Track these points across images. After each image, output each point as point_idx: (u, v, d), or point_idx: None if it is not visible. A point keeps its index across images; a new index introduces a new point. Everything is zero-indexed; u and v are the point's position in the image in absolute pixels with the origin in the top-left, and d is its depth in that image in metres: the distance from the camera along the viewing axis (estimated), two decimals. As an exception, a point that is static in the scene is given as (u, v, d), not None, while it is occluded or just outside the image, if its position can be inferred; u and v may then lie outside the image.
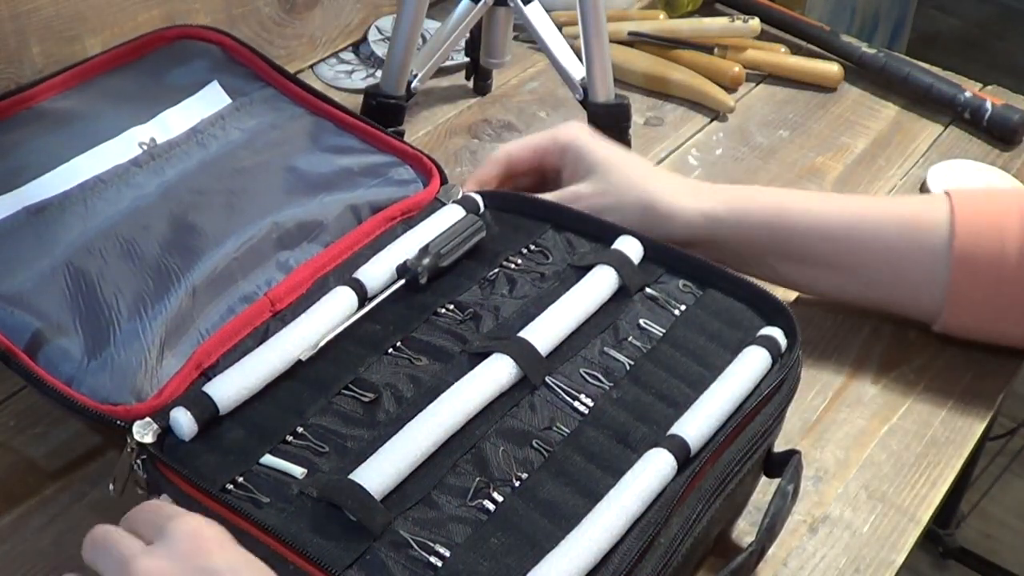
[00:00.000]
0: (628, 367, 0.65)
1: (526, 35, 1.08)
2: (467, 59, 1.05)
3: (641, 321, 0.68)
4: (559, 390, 0.63)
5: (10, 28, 0.82)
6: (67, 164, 0.74)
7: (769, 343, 0.66)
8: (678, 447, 0.59)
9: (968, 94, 1.04)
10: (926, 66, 1.09)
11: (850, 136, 1.04)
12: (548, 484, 0.58)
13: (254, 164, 0.77)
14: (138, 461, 0.59)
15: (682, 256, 0.72)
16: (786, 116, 1.06)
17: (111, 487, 0.60)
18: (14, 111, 0.77)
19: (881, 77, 1.09)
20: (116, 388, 0.63)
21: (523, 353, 0.64)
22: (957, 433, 0.75)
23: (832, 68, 1.09)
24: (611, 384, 0.64)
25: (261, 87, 0.84)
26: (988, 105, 1.03)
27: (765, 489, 0.67)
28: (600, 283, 0.69)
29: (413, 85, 0.90)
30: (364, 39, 1.11)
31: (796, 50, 1.13)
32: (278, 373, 0.63)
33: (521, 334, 0.65)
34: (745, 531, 0.68)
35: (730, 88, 1.07)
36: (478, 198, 0.76)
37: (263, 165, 0.77)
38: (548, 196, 0.79)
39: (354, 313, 0.67)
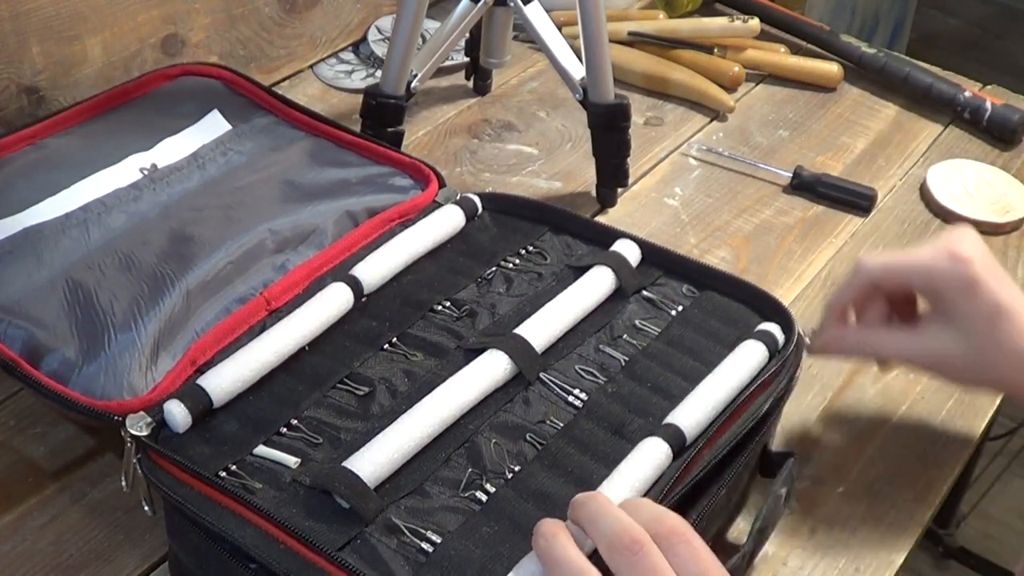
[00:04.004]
0: (623, 363, 0.66)
1: (526, 35, 1.08)
2: (467, 59, 1.05)
3: (637, 321, 0.68)
4: (553, 385, 0.63)
5: (10, 28, 0.82)
6: (68, 189, 0.75)
7: (766, 338, 0.66)
8: (672, 435, 0.60)
9: (968, 94, 1.04)
10: (926, 66, 1.09)
11: (850, 136, 1.04)
12: (541, 475, 0.59)
13: (252, 181, 0.78)
14: (135, 459, 0.59)
15: (680, 259, 0.73)
16: (786, 116, 1.06)
17: (123, 482, 0.61)
18: (18, 147, 0.79)
19: (881, 77, 1.09)
20: (111, 386, 0.64)
21: (518, 349, 0.64)
22: (957, 433, 0.75)
23: (832, 68, 1.09)
24: (606, 379, 0.64)
25: (261, 114, 0.85)
26: (988, 105, 1.03)
27: (764, 489, 0.67)
28: (597, 283, 0.69)
29: (413, 85, 0.90)
30: (364, 39, 1.11)
31: (796, 50, 1.13)
32: (272, 366, 0.64)
33: (517, 331, 0.65)
34: (745, 531, 0.68)
35: (730, 88, 1.07)
36: (476, 199, 0.76)
37: (261, 181, 0.78)
38: (906, 345, 0.68)
39: (350, 308, 0.68)
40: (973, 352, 0.65)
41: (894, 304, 0.70)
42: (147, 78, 0.86)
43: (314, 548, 0.53)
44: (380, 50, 1.08)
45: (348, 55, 1.10)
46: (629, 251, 0.72)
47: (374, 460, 0.57)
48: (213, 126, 0.83)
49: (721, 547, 0.66)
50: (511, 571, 0.53)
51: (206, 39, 0.97)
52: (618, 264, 0.70)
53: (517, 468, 0.59)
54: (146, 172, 0.78)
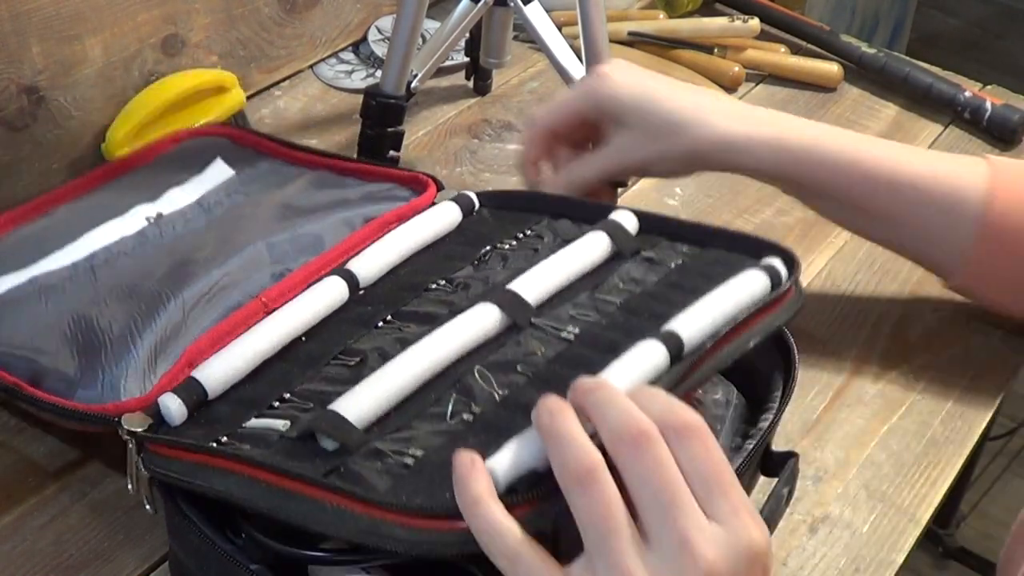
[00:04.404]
0: (619, 303, 0.63)
1: (526, 35, 1.08)
2: (467, 59, 1.05)
3: (635, 275, 0.67)
4: (547, 327, 0.62)
5: (10, 28, 0.82)
6: (75, 243, 0.76)
7: (768, 269, 0.64)
8: (669, 339, 0.56)
9: (968, 94, 1.04)
10: (926, 66, 1.09)
11: (850, 136, 1.03)
12: (531, 392, 0.56)
13: (253, 211, 0.79)
14: (138, 459, 0.59)
15: (679, 222, 0.71)
16: (786, 116, 1.06)
17: (129, 485, 0.61)
18: (28, 218, 0.79)
19: (881, 77, 1.09)
20: (108, 394, 0.64)
21: (509, 301, 0.62)
22: (957, 433, 0.75)
23: (832, 68, 1.09)
24: (600, 316, 0.62)
25: (265, 159, 0.86)
26: (988, 105, 1.03)
27: (764, 489, 0.67)
28: (592, 245, 0.68)
29: (413, 85, 0.90)
30: (364, 39, 1.11)
31: (796, 50, 1.13)
32: (266, 354, 0.63)
33: (508, 287, 0.64)
34: (745, 531, 0.68)
35: (730, 88, 1.07)
36: (472, 195, 0.76)
37: (261, 209, 0.79)
38: (598, 159, 0.78)
39: (346, 299, 0.67)
40: (651, 138, 0.75)
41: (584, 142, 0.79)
42: (153, 145, 0.87)
43: (296, 478, 0.52)
44: (380, 50, 1.08)
45: (348, 55, 1.10)
46: (626, 219, 0.70)
47: (358, 402, 0.56)
48: (218, 174, 0.84)
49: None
50: (509, 442, 0.50)
51: (206, 39, 0.97)
52: (614, 229, 0.69)
53: (506, 392, 0.57)
54: (151, 220, 0.79)
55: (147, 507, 0.62)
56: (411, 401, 0.58)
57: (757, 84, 1.10)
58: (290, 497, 0.52)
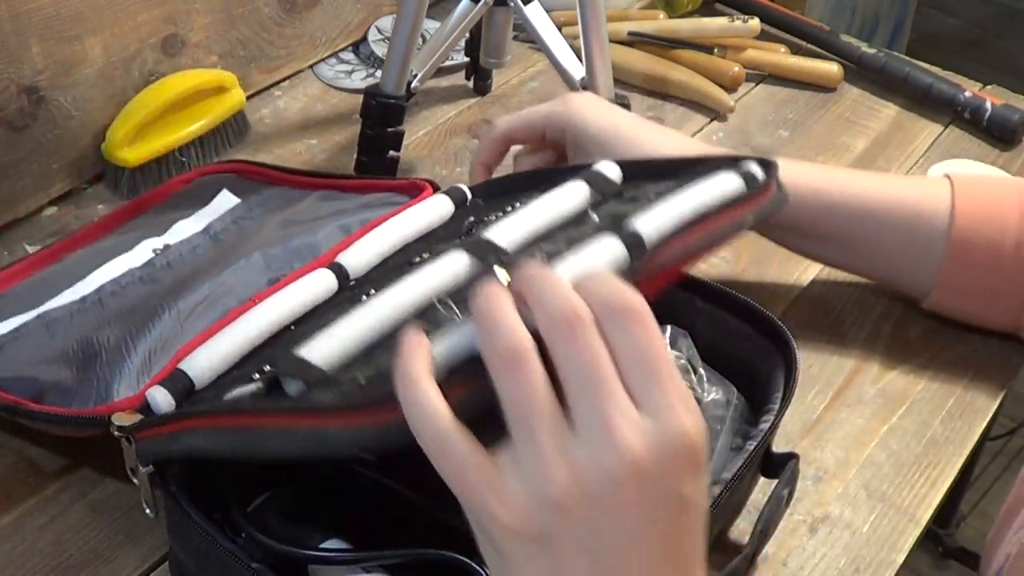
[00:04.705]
0: (592, 232, 0.62)
1: (526, 35, 1.08)
2: (467, 59, 1.05)
3: (614, 210, 0.66)
4: (517, 263, 0.61)
5: (10, 28, 0.82)
6: (83, 280, 0.76)
7: (742, 171, 0.63)
8: (629, 236, 0.54)
9: (968, 94, 1.04)
10: (926, 66, 1.09)
11: (850, 136, 1.04)
12: None
13: (257, 231, 0.80)
14: (136, 459, 0.59)
15: (661, 161, 0.71)
16: (786, 116, 1.06)
17: (133, 479, 0.61)
18: (43, 265, 0.80)
19: (881, 77, 1.09)
20: (101, 398, 0.65)
21: (480, 247, 0.62)
22: (957, 433, 0.75)
23: (832, 68, 1.09)
24: (572, 244, 0.61)
25: (269, 187, 0.86)
26: (988, 105, 1.03)
27: (764, 490, 0.67)
28: (569, 191, 0.68)
29: (413, 85, 0.90)
30: (364, 39, 1.11)
31: (796, 50, 1.13)
32: (252, 342, 0.63)
33: (481, 236, 0.64)
34: (745, 531, 0.68)
35: (730, 88, 1.07)
36: (464, 188, 0.76)
37: (264, 228, 0.80)
38: None
39: (336, 290, 0.67)
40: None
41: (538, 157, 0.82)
42: (162, 188, 0.87)
43: (252, 412, 0.52)
44: (380, 50, 1.08)
45: (348, 55, 1.10)
46: (608, 169, 0.70)
47: (320, 345, 0.56)
48: (224, 203, 0.84)
49: (723, 547, 0.66)
50: (450, 330, 0.47)
51: (206, 39, 0.97)
52: (594, 177, 0.68)
53: (468, 316, 0.57)
54: (158, 252, 0.79)
55: (147, 511, 0.62)
56: (380, 345, 0.57)
57: (757, 84, 1.10)
58: (246, 432, 0.52)
